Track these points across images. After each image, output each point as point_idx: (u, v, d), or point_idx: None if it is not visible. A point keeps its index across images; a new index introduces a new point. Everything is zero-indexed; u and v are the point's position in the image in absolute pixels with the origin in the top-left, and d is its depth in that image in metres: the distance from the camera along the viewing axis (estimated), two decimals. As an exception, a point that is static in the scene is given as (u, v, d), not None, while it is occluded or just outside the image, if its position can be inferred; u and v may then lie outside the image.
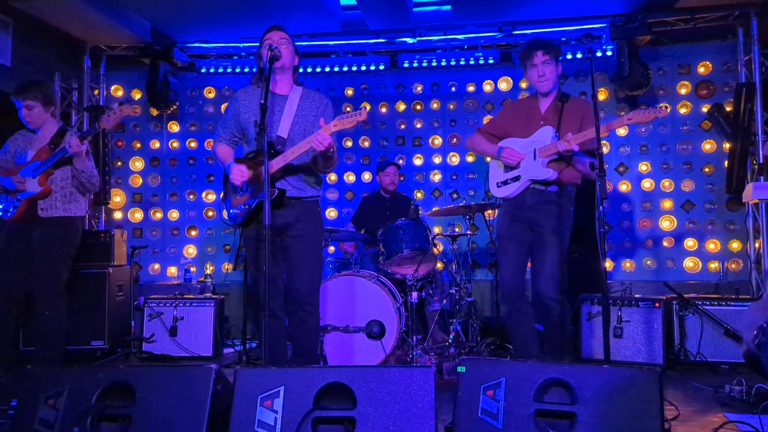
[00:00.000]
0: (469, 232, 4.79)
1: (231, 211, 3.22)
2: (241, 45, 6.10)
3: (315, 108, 3.19)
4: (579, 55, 5.71)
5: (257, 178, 3.07)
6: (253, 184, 3.12)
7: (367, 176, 6.33)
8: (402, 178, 5.99)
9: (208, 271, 5.78)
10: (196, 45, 6.13)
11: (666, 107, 3.27)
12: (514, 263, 3.48)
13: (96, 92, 6.28)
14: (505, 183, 3.52)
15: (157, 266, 6.39)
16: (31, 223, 3.81)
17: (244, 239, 3.28)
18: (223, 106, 6.40)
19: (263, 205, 2.80)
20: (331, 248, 5.97)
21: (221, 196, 3.32)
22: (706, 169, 5.71)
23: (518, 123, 3.54)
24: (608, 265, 5.70)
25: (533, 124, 3.48)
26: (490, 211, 4.93)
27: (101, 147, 6.10)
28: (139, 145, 6.51)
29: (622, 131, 5.86)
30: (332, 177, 6.25)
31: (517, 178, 3.46)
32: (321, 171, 3.20)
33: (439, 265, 4.95)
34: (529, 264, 3.55)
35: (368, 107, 2.95)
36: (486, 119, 6.18)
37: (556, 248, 3.40)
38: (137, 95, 6.46)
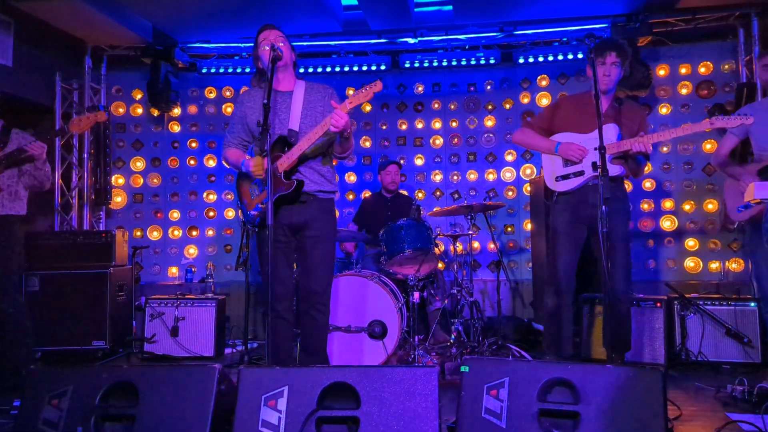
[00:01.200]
0: (470, 232, 4.80)
1: (249, 212, 3.21)
2: (242, 45, 6.10)
3: (321, 98, 3.20)
4: (580, 56, 5.71)
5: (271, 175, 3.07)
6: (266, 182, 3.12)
7: (368, 176, 6.33)
8: (403, 178, 5.99)
9: (209, 272, 5.78)
10: (197, 45, 6.13)
11: (751, 118, 3.27)
12: (569, 260, 3.52)
13: (97, 92, 6.27)
14: (565, 177, 3.52)
15: (158, 266, 6.39)
16: None
17: (258, 240, 3.28)
18: (224, 106, 6.45)
19: (281, 202, 2.80)
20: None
21: (238, 200, 3.31)
22: (707, 170, 5.71)
23: (575, 118, 3.57)
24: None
25: (593, 120, 3.49)
26: (491, 211, 4.94)
27: (102, 147, 6.10)
28: (140, 145, 6.50)
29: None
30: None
31: (580, 173, 3.47)
32: (341, 155, 3.19)
33: (440, 265, 4.95)
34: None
35: (380, 85, 2.92)
36: (487, 119, 6.18)
37: (625, 244, 3.48)
38: (138, 95, 6.45)
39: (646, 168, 3.66)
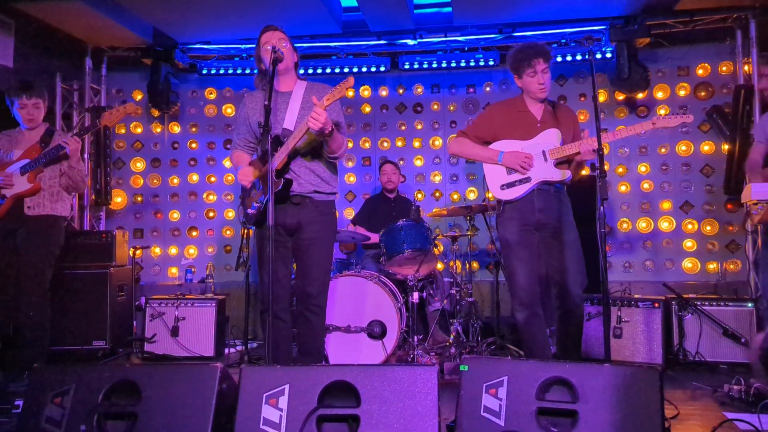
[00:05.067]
0: (469, 232, 4.82)
1: (247, 211, 3.24)
2: (243, 46, 6.12)
3: (320, 97, 3.19)
4: (579, 57, 5.73)
5: (266, 175, 3.09)
6: (264, 182, 3.14)
7: (368, 178, 6.36)
8: (403, 179, 6.01)
9: (209, 272, 5.80)
10: (197, 46, 6.15)
11: (690, 116, 3.28)
12: (529, 269, 3.40)
13: (97, 93, 6.29)
14: (511, 185, 3.44)
15: (158, 267, 6.41)
16: (16, 221, 3.82)
17: (256, 239, 3.30)
18: (224, 108, 6.47)
19: (277, 202, 2.83)
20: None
21: (239, 199, 3.34)
22: (705, 171, 5.74)
23: (511, 126, 3.50)
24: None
25: (531, 126, 3.47)
26: (490, 212, 4.96)
27: (102, 148, 6.12)
28: (140, 146, 6.52)
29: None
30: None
31: (526, 180, 3.40)
32: (332, 155, 3.19)
33: (439, 265, 4.97)
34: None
35: (351, 81, 2.93)
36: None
37: (578, 245, 3.41)
38: (138, 96, 6.47)
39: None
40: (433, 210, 5.03)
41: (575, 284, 3.36)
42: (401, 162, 6.20)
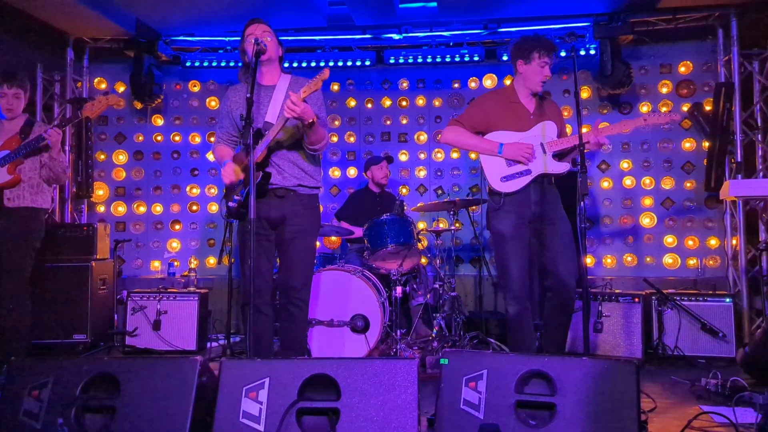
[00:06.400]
0: (453, 227, 4.84)
1: (229, 204, 3.22)
2: (227, 39, 6.07)
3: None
4: (563, 54, 5.75)
5: (248, 169, 3.07)
6: (245, 175, 3.13)
7: (352, 171, 6.35)
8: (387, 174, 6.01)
9: (191, 266, 5.77)
10: (181, 38, 6.09)
11: (678, 115, 3.35)
12: (522, 262, 3.41)
13: (79, 84, 6.22)
14: (511, 177, 3.42)
15: (140, 260, 6.36)
16: None
17: (238, 232, 3.29)
18: (208, 100, 6.42)
19: (257, 196, 2.82)
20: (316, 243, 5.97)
21: (223, 192, 3.32)
22: (686, 167, 5.80)
23: (505, 117, 3.49)
24: (589, 261, 5.78)
25: (524, 118, 3.48)
26: (474, 207, 4.97)
27: (84, 139, 6.05)
28: (122, 138, 6.46)
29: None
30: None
31: (526, 172, 3.40)
32: (311, 147, 3.17)
33: (423, 260, 4.99)
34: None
35: (326, 73, 2.93)
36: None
37: (571, 236, 3.42)
38: (121, 88, 6.40)
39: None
40: (418, 205, 5.04)
41: (570, 275, 3.39)
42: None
